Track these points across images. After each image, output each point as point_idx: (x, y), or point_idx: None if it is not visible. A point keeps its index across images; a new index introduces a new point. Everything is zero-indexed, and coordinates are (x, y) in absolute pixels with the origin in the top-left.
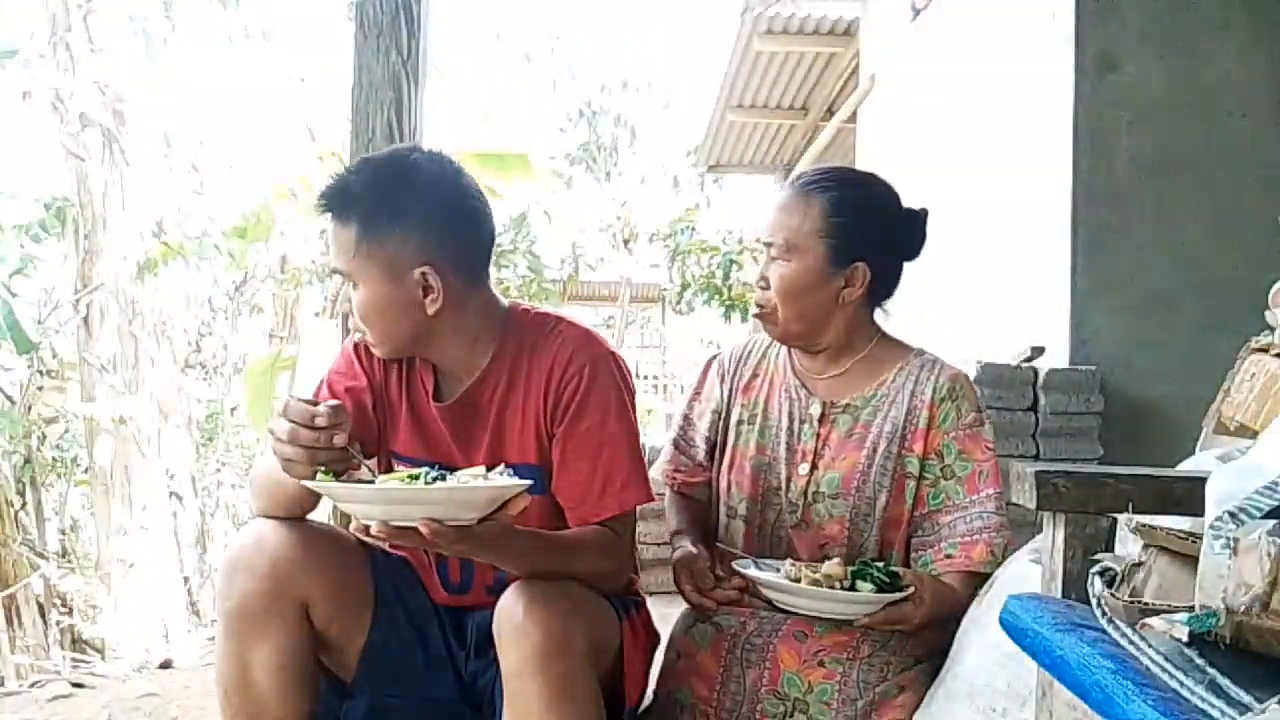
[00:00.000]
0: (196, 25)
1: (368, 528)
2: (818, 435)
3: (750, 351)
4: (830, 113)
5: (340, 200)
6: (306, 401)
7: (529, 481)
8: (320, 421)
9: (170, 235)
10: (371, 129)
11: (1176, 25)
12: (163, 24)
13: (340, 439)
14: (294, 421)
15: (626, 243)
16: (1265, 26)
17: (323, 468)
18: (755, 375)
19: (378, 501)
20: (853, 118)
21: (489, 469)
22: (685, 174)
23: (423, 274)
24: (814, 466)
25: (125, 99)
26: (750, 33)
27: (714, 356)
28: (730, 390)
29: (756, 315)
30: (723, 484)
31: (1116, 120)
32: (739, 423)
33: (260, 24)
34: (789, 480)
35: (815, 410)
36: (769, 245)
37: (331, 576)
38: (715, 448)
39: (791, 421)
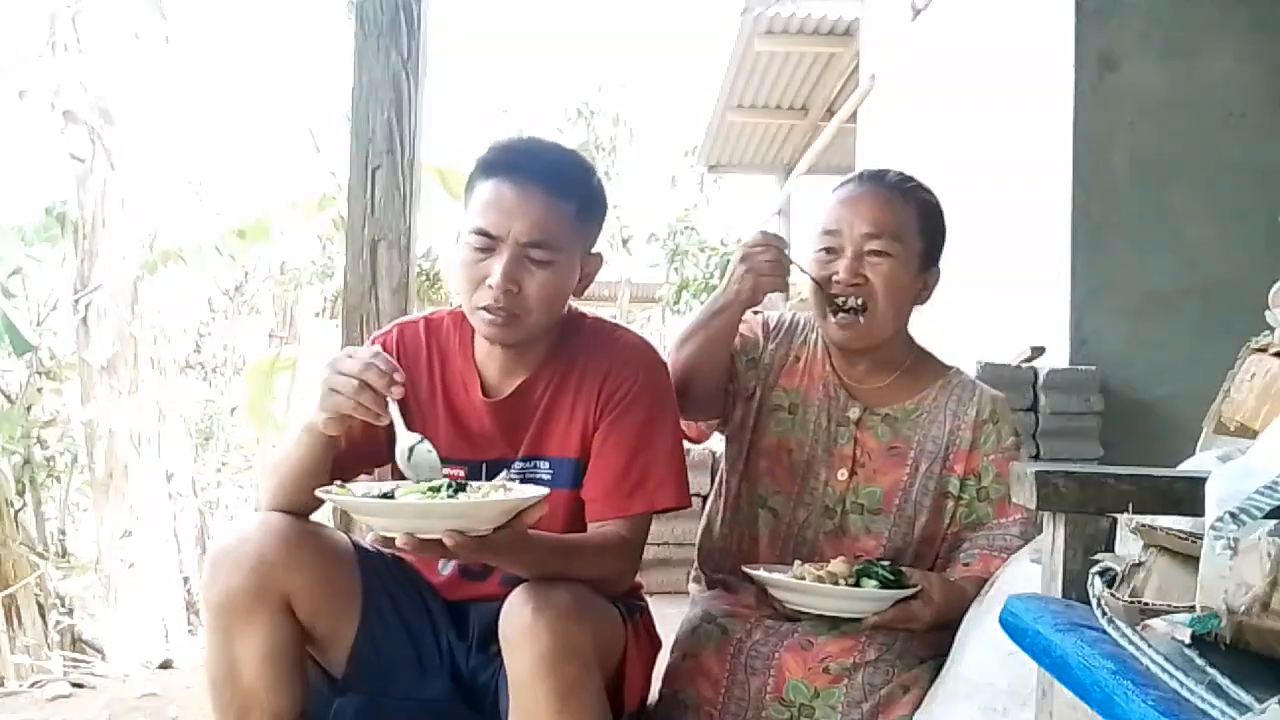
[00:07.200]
0: (194, 25)
1: (390, 540)
2: (855, 440)
3: (796, 327)
4: (830, 113)
5: (558, 175)
6: None
7: (546, 491)
8: (398, 377)
9: (168, 241)
10: (371, 129)
11: (1176, 25)
12: (159, 25)
13: (398, 392)
14: (374, 364)
15: (625, 243)
16: (1265, 27)
17: (357, 409)
18: (798, 359)
19: (400, 515)
20: (853, 118)
21: (511, 464)
22: (683, 173)
23: (590, 261)
24: (852, 473)
25: (112, 98)
26: (750, 33)
27: (758, 312)
28: (773, 360)
29: (844, 315)
30: (759, 468)
31: (1116, 120)
32: (777, 408)
33: (259, 24)
34: (826, 483)
35: (854, 414)
36: (871, 236)
37: (315, 573)
38: (735, 382)
39: (829, 421)
